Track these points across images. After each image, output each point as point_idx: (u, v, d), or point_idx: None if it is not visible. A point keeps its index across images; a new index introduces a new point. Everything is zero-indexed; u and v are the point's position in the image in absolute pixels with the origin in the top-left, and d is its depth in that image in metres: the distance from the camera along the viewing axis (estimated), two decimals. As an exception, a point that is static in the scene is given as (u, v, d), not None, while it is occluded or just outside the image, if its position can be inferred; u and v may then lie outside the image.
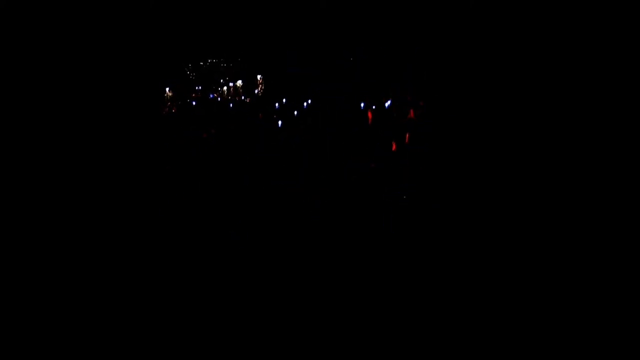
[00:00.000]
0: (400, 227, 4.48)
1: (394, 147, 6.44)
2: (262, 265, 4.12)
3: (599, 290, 3.25)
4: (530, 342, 3.02)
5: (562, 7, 3.57)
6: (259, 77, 9.81)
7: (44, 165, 4.49)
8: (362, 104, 8.52)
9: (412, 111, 7.39)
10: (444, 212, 4.18)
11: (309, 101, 9.11)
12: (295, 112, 8.64)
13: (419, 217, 4.43)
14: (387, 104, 8.15)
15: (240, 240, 4.60)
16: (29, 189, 4.34)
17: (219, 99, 9.89)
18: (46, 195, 4.37)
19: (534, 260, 3.65)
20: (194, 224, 4.81)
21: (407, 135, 6.59)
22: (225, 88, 9.87)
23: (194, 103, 9.81)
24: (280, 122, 7.85)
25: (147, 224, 4.61)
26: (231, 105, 9.44)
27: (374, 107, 8.35)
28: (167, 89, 9.42)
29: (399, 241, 4.30)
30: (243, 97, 9.88)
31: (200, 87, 10.14)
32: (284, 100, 9.33)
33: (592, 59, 3.51)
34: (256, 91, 9.91)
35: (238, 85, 9.76)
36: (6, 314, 3.42)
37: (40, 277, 3.82)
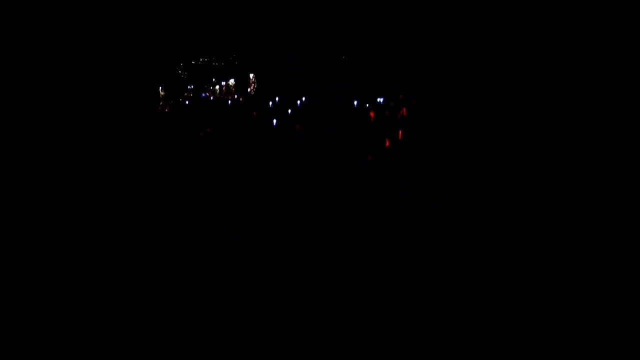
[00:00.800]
0: (401, 224, 4.49)
1: (387, 144, 6.46)
2: (262, 264, 4.11)
3: (598, 290, 3.25)
4: (530, 340, 3.03)
5: (562, 7, 3.59)
6: (251, 75, 9.77)
7: (42, 163, 4.45)
8: (355, 102, 8.53)
9: (404, 109, 7.42)
10: (443, 209, 4.20)
11: (303, 99, 9.09)
12: (290, 111, 8.62)
13: (419, 213, 4.45)
14: (381, 100, 8.16)
15: (240, 239, 4.59)
16: (28, 187, 4.30)
17: (211, 97, 9.84)
18: (45, 193, 4.34)
19: (532, 255, 3.67)
20: (194, 223, 4.79)
21: (400, 132, 6.61)
22: (217, 87, 9.83)
23: (187, 102, 9.75)
24: (275, 121, 7.84)
25: (147, 222, 4.59)
26: (227, 103, 9.40)
27: (367, 105, 8.36)
28: (160, 88, 9.35)
29: (399, 238, 4.32)
30: (236, 96, 9.84)
31: (192, 86, 10.06)
32: (277, 99, 9.31)
33: (592, 59, 3.53)
34: (249, 90, 9.87)
35: (230, 84, 9.72)
36: (6, 314, 3.40)
37: (39, 276, 3.79)
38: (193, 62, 9.96)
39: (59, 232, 4.22)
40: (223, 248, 4.43)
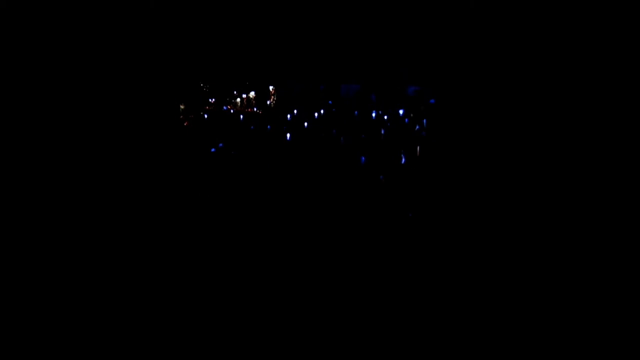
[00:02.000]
0: (401, 223, 4.39)
1: (403, 160, 6.34)
2: (262, 264, 4.06)
3: (597, 293, 3.16)
4: (529, 341, 2.96)
5: (563, 7, 3.49)
6: (271, 87, 9.84)
7: (57, 168, 4.57)
8: (373, 113, 8.47)
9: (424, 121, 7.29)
10: (443, 209, 4.09)
11: (322, 112, 9.09)
12: (306, 124, 8.64)
13: (419, 213, 4.35)
14: (401, 112, 8.07)
15: (240, 239, 4.54)
16: (42, 190, 4.40)
17: (232, 110, 9.91)
18: (57, 195, 4.43)
19: (533, 256, 3.56)
20: (195, 223, 4.78)
21: (418, 148, 6.50)
22: (238, 100, 9.90)
23: (205, 116, 9.86)
24: (288, 135, 7.85)
25: (148, 223, 4.61)
26: (245, 116, 9.48)
27: (386, 116, 8.29)
28: (180, 102, 9.51)
29: (399, 238, 4.21)
30: (255, 109, 9.91)
31: (213, 99, 10.18)
32: (295, 111, 9.34)
33: (593, 59, 3.42)
34: (268, 102, 9.94)
35: (251, 96, 9.79)
36: (6, 314, 3.41)
37: (44, 275, 3.82)
38: (214, 75, 10.10)
39: (67, 230, 4.28)
40: (223, 248, 4.40)
